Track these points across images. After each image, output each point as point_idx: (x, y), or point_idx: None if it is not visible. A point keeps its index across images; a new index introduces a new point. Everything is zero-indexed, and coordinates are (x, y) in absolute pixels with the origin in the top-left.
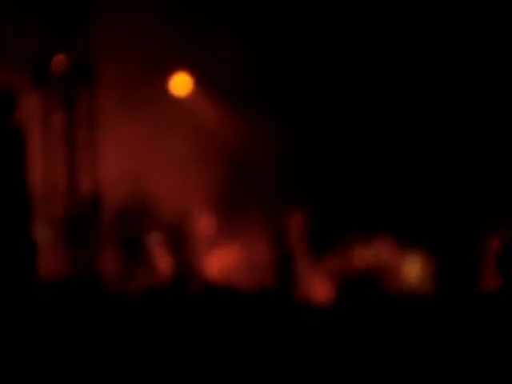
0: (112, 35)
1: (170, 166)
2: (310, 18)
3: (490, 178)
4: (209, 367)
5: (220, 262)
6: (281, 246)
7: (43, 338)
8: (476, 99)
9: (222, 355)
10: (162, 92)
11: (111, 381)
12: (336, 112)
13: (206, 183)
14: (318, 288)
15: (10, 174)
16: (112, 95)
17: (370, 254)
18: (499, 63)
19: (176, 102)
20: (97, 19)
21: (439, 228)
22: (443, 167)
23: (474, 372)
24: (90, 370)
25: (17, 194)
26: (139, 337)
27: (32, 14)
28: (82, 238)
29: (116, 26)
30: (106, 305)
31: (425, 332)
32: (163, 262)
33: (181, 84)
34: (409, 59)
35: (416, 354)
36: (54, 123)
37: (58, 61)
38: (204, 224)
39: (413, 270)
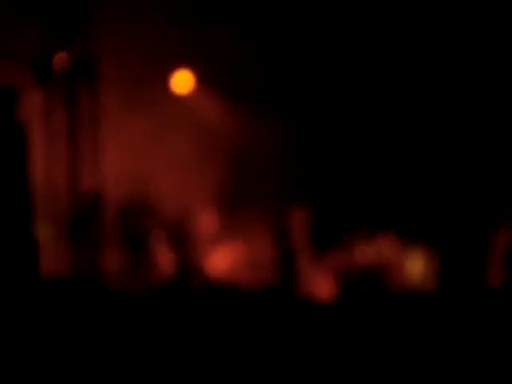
0: (114, 33)
1: (171, 165)
2: (311, 18)
3: (494, 172)
4: (212, 364)
5: (222, 260)
6: (283, 243)
7: (46, 336)
8: (483, 94)
9: (225, 353)
10: (164, 91)
11: (114, 379)
12: (337, 110)
13: (208, 181)
14: (321, 285)
15: (12, 171)
16: (114, 94)
17: (372, 250)
18: (502, 61)
19: (177, 100)
20: (98, 17)
21: (442, 224)
22: (446, 162)
23: (479, 369)
24: (92, 368)
25: (18, 192)
26: (142, 335)
27: (34, 12)
28: (84, 237)
29: (118, 25)
30: (109, 303)
31: (428, 329)
32: (165, 260)
33: (182, 82)
34: (409, 59)
35: (419, 351)
36: (56, 122)
37: (60, 59)
38: (206, 222)
39: (416, 266)
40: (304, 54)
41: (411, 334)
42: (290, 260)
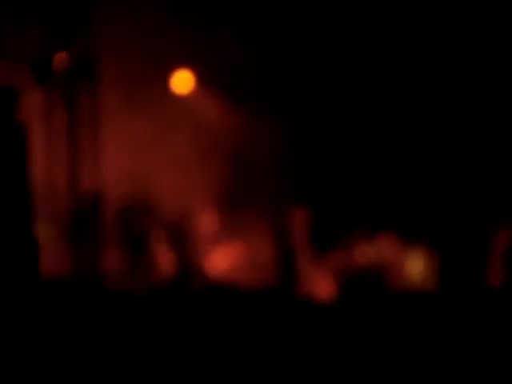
0: (114, 33)
1: (171, 165)
2: (311, 18)
3: (494, 173)
4: (212, 365)
5: (222, 260)
6: (283, 243)
7: (46, 336)
8: (483, 94)
9: (225, 353)
10: (164, 91)
11: (114, 379)
12: (336, 110)
13: (208, 181)
14: (321, 285)
15: (12, 172)
16: (114, 94)
17: (372, 250)
18: (502, 61)
19: (177, 100)
20: (99, 17)
21: (442, 224)
22: (446, 162)
23: (479, 369)
24: (92, 368)
25: (18, 192)
26: (142, 335)
27: (34, 12)
28: (84, 237)
29: (118, 24)
30: (109, 303)
31: (428, 329)
32: (165, 260)
33: (182, 82)
34: (408, 59)
35: (419, 352)
36: (56, 122)
37: (60, 59)
38: (206, 222)
39: (416, 266)
40: (304, 54)
41: (411, 334)
42: (290, 260)
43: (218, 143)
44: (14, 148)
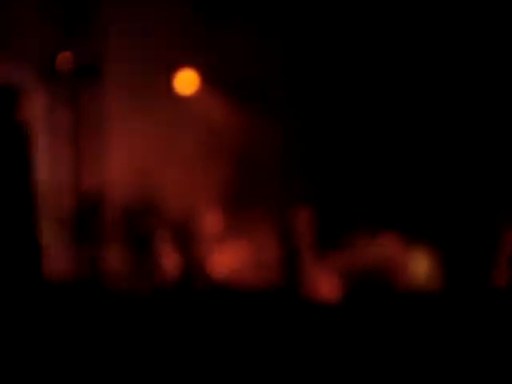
0: (118, 33)
1: (176, 164)
2: (314, 19)
3: (500, 171)
4: (216, 365)
5: (226, 260)
6: (287, 243)
7: (49, 337)
8: (487, 94)
9: (229, 353)
10: (169, 90)
11: (117, 380)
12: (340, 110)
13: (213, 181)
14: (325, 285)
15: (14, 172)
16: (118, 93)
17: (376, 250)
18: (502, 61)
19: (182, 100)
20: (103, 17)
21: (447, 223)
22: (452, 160)
23: (484, 369)
24: (95, 369)
25: (21, 192)
26: (146, 336)
27: (37, 11)
28: (87, 237)
29: (122, 24)
30: (112, 304)
31: (433, 329)
32: (170, 260)
33: (187, 82)
34: (410, 58)
35: (424, 351)
36: (60, 121)
37: (64, 58)
38: (210, 222)
39: (420, 266)
40: (309, 53)
41: (416, 333)
42: (294, 260)
43: (222, 143)
44: (15, 148)
